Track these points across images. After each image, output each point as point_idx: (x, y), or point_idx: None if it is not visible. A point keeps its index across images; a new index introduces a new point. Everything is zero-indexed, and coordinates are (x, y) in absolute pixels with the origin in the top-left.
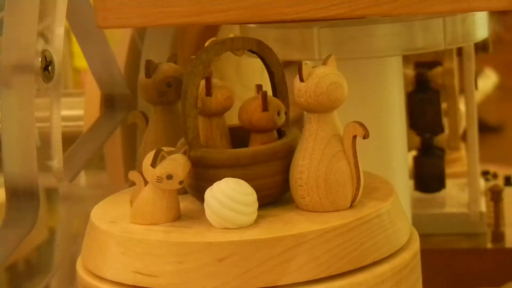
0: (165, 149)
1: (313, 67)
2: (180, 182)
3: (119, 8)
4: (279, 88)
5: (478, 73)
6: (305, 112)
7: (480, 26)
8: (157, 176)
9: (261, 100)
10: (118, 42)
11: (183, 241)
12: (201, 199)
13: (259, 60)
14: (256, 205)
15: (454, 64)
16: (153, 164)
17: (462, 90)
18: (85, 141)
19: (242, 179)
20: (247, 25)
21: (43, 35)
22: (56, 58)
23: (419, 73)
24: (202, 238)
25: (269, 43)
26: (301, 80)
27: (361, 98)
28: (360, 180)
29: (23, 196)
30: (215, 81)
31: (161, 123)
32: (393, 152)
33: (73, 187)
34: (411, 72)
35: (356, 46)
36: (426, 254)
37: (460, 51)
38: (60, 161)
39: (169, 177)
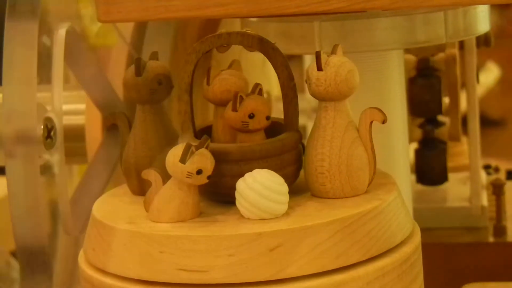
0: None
1: (328, 56)
2: (208, 177)
3: (121, 2)
4: (284, 92)
5: (480, 67)
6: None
7: (482, 19)
8: (188, 172)
9: (232, 99)
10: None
11: (232, 233)
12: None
13: (260, 54)
14: (288, 194)
15: (456, 51)
16: (183, 160)
17: (463, 84)
18: (91, 180)
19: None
20: (248, 19)
21: (43, 102)
22: (58, 122)
23: (421, 59)
24: (249, 229)
25: (270, 37)
26: (320, 69)
27: (362, 92)
28: (376, 165)
29: (36, 266)
30: (224, 72)
31: (151, 122)
32: (394, 145)
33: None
34: (413, 57)
35: (357, 40)
36: (428, 248)
37: (461, 45)
38: (70, 220)
39: (199, 172)
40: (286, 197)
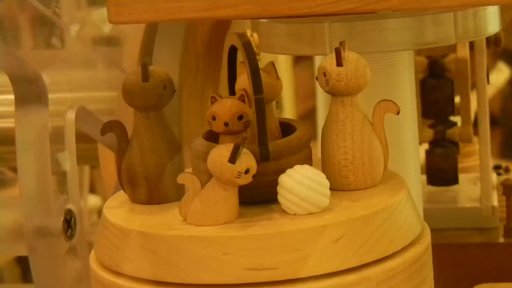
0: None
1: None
2: (253, 176)
3: (132, 3)
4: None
5: (490, 67)
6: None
7: (492, 20)
8: (238, 172)
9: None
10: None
11: (298, 228)
12: None
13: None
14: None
15: (467, 52)
16: (233, 160)
17: (474, 85)
18: None
19: (272, 171)
20: (258, 20)
21: (60, 193)
22: (76, 211)
23: (433, 60)
24: (312, 223)
25: (280, 38)
26: (340, 65)
27: (372, 92)
28: (388, 155)
29: None
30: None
31: (157, 128)
32: (404, 146)
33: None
34: (424, 59)
35: (367, 41)
36: (438, 249)
37: (472, 46)
38: None
39: (247, 171)
40: (329, 190)
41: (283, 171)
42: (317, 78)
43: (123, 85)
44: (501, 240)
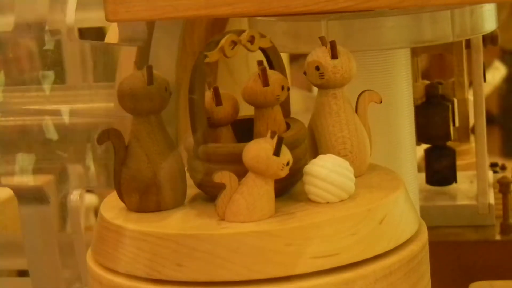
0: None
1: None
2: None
3: (129, 2)
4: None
5: (486, 65)
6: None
7: (489, 18)
8: (283, 164)
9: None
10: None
11: (349, 213)
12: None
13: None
14: None
15: (463, 50)
16: (278, 153)
17: (470, 83)
18: None
19: None
20: (256, 18)
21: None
22: None
23: (430, 85)
24: (357, 207)
25: (278, 36)
26: (336, 57)
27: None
28: (372, 144)
29: None
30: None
31: (159, 132)
32: (401, 144)
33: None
34: (421, 85)
35: (364, 39)
36: (435, 246)
37: (468, 44)
38: None
39: (288, 163)
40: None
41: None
42: (305, 73)
43: (124, 90)
44: (498, 237)
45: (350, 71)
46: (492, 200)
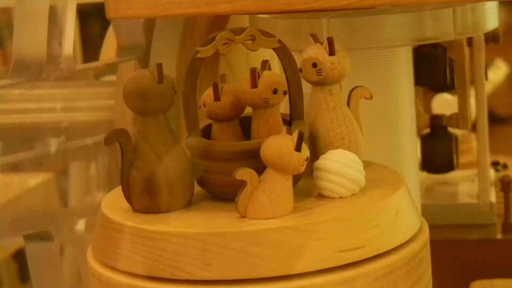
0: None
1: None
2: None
3: None
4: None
5: (488, 64)
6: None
7: (490, 16)
8: (304, 159)
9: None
10: None
11: (371, 207)
12: (216, 193)
13: (269, 50)
14: None
15: (465, 47)
16: (299, 148)
17: (472, 81)
18: None
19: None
20: (256, 15)
21: None
22: None
23: (434, 116)
24: (374, 200)
25: (278, 34)
26: (333, 54)
27: (370, 88)
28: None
29: None
30: (266, 72)
31: (168, 131)
32: (402, 141)
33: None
34: (426, 115)
35: (366, 36)
36: (436, 245)
37: (470, 42)
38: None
39: (307, 158)
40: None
41: None
42: (300, 70)
43: (133, 90)
44: (499, 236)
45: (345, 68)
46: (493, 198)
